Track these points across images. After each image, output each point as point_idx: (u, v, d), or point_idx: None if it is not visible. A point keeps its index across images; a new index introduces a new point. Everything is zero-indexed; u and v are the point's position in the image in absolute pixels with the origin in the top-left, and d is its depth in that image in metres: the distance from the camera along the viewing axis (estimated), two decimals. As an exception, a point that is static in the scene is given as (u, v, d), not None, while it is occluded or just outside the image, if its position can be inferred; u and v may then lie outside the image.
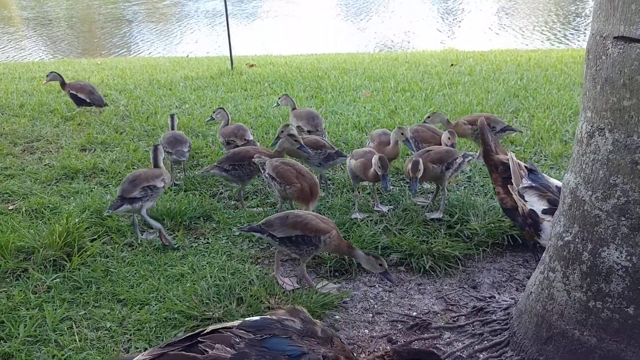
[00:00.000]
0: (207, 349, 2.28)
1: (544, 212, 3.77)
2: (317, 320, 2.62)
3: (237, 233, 4.63)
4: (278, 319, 2.49)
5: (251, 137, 5.88)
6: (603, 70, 2.63)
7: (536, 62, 11.32)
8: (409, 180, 4.78)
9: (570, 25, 19.79)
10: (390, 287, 3.97)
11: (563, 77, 9.68)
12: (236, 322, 2.46)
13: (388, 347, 3.23)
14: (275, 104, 6.78)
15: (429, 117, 6.07)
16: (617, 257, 2.74)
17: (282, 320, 2.48)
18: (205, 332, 2.40)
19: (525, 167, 4.09)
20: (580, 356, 2.92)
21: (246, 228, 4.05)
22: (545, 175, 4.13)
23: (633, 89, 2.52)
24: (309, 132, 5.99)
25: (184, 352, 2.29)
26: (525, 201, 3.89)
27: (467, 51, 14.11)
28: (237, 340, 2.33)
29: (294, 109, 6.46)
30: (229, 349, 2.28)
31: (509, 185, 4.05)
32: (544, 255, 3.19)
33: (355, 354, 2.69)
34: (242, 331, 2.38)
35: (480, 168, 5.79)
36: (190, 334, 2.43)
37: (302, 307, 2.66)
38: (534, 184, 3.93)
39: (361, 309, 3.80)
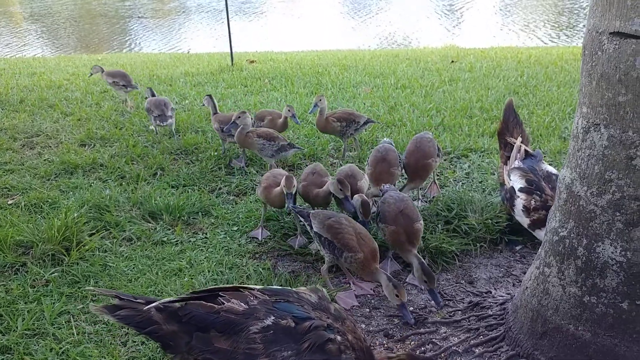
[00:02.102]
0: (225, 302, 2.53)
1: (520, 190, 4.17)
2: (335, 303, 2.81)
3: (288, 212, 4.73)
4: (297, 291, 2.70)
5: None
6: (599, 66, 2.64)
7: (536, 59, 11.30)
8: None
9: (571, 22, 19.76)
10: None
11: (563, 75, 9.67)
12: (258, 286, 2.69)
13: (400, 349, 3.19)
14: (89, 74, 8.57)
15: (320, 99, 5.86)
16: (612, 253, 2.75)
17: (300, 292, 2.69)
18: (227, 288, 2.66)
19: (526, 151, 4.43)
20: (574, 351, 2.93)
21: (297, 209, 4.12)
22: (544, 162, 4.41)
23: (628, 84, 2.53)
24: (124, 85, 7.88)
25: (204, 302, 2.52)
26: (510, 179, 4.29)
27: (467, 48, 14.09)
28: (252, 298, 2.57)
29: (103, 71, 8.03)
30: (243, 304, 2.52)
31: (503, 165, 4.52)
32: (539, 250, 3.20)
33: (367, 343, 2.74)
34: (260, 293, 2.61)
35: (478, 165, 5.80)
36: (214, 287, 2.70)
37: (323, 288, 2.84)
38: (522, 166, 4.30)
39: (358, 303, 3.81)
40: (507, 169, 4.43)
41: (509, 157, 4.54)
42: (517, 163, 4.37)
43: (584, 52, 2.76)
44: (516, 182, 4.24)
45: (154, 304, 2.52)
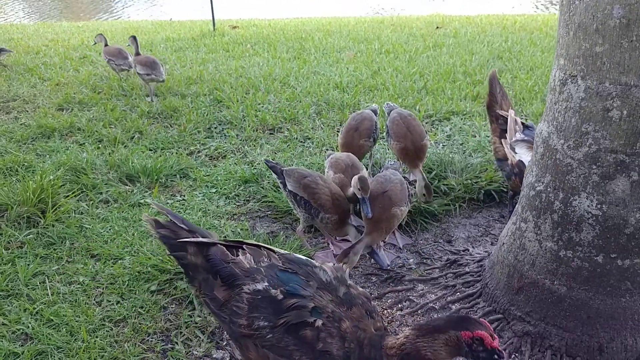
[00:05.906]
0: (240, 255, 2.49)
1: None
2: (356, 286, 2.49)
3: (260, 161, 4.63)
4: (318, 265, 2.47)
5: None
6: (576, 16, 2.59)
7: (522, 25, 11.23)
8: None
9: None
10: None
11: (548, 40, 9.61)
12: (282, 251, 2.58)
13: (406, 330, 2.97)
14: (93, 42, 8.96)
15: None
16: (588, 206, 2.73)
17: (317, 267, 2.46)
18: (253, 244, 2.59)
19: (522, 123, 4.20)
20: (550, 305, 2.93)
21: (271, 164, 4.02)
22: None
23: (605, 34, 2.48)
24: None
25: (224, 248, 2.51)
26: (515, 153, 4.02)
27: (453, 15, 13.97)
28: (265, 260, 2.48)
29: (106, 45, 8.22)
30: (253, 262, 2.46)
31: (502, 139, 4.20)
32: (516, 206, 3.19)
33: (380, 332, 2.35)
34: (276, 258, 2.49)
35: (460, 127, 5.76)
36: (242, 240, 2.64)
37: (346, 268, 2.73)
38: (526, 138, 4.04)
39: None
40: (508, 143, 4.12)
41: (502, 130, 4.26)
42: (518, 135, 4.09)
43: (561, 2, 2.71)
44: (525, 154, 3.94)
45: (186, 239, 2.55)
